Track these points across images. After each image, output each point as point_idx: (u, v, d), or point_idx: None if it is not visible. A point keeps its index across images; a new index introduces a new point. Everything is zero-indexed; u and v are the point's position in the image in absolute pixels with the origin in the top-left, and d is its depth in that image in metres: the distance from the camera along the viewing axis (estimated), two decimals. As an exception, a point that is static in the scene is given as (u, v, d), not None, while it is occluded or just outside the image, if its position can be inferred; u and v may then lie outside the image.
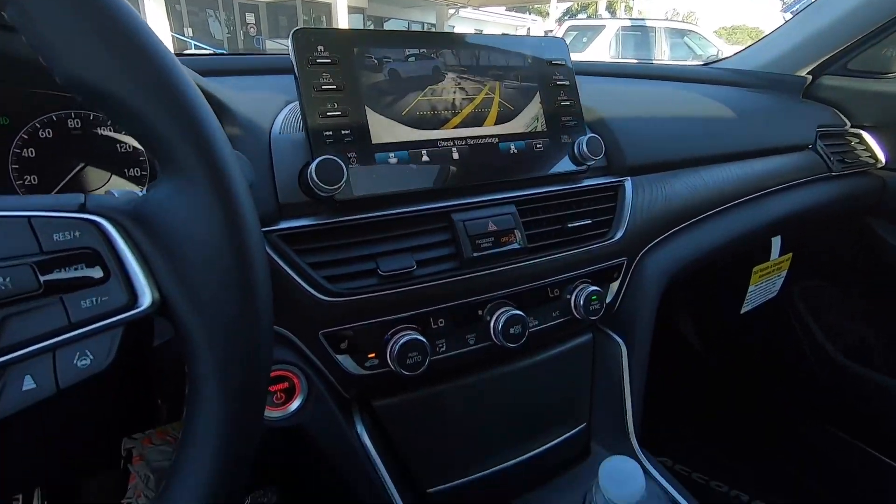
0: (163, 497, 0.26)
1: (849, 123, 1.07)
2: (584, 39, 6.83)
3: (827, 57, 1.05)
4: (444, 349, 0.54)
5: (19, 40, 0.49)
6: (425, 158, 0.54)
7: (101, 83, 0.26)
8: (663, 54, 6.73)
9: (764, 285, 1.06)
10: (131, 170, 0.57)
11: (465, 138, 0.56)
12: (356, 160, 0.50)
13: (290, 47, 0.48)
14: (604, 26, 7.03)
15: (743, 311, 1.06)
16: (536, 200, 0.60)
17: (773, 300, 1.12)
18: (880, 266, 1.13)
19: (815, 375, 1.22)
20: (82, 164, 0.55)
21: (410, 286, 0.51)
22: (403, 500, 0.54)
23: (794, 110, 1.04)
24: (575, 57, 0.66)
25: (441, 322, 0.54)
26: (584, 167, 0.63)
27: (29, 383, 0.24)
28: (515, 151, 0.59)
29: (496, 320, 0.55)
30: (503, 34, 0.65)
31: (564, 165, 0.62)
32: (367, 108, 0.51)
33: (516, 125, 0.60)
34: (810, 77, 1.09)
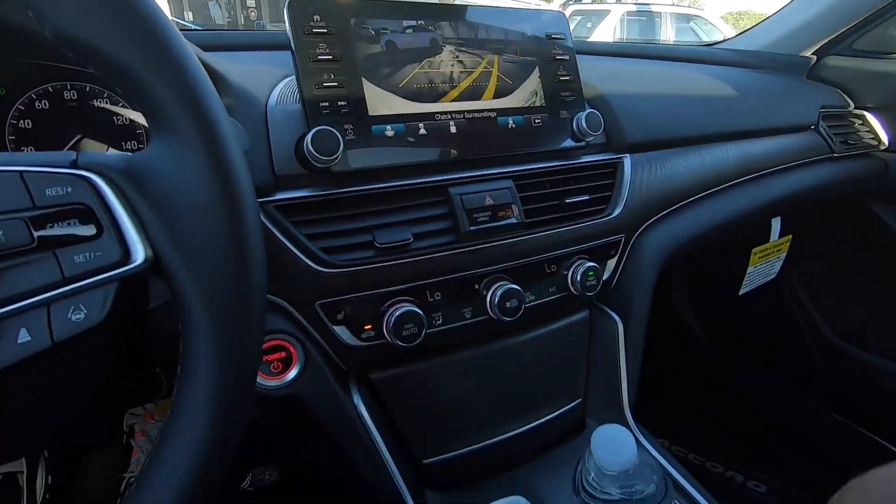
0: (156, 454, 0.27)
1: (852, 104, 1.06)
2: (589, 25, 6.75)
3: (832, 37, 1.04)
4: (440, 322, 0.54)
5: (14, 8, 0.49)
6: (422, 131, 0.54)
7: (92, 37, 0.26)
8: (668, 40, 6.65)
9: (763, 267, 1.05)
10: (128, 142, 0.57)
11: (462, 112, 0.56)
12: (352, 132, 0.50)
13: (286, 16, 0.48)
14: (608, 11, 6.93)
15: (741, 292, 1.06)
16: (534, 176, 0.60)
17: (772, 282, 1.12)
18: (881, 249, 1.12)
19: (812, 358, 1.23)
20: (79, 136, 0.55)
21: (407, 259, 0.51)
22: (401, 471, 0.55)
23: (797, 91, 1.03)
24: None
25: (437, 295, 0.54)
26: (583, 143, 0.63)
27: (24, 336, 0.24)
28: (514, 126, 0.59)
29: (492, 294, 0.55)
30: (502, 7, 0.64)
31: (563, 141, 0.62)
32: (363, 79, 0.51)
33: (515, 99, 0.59)
34: (815, 57, 1.08)
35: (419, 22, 0.55)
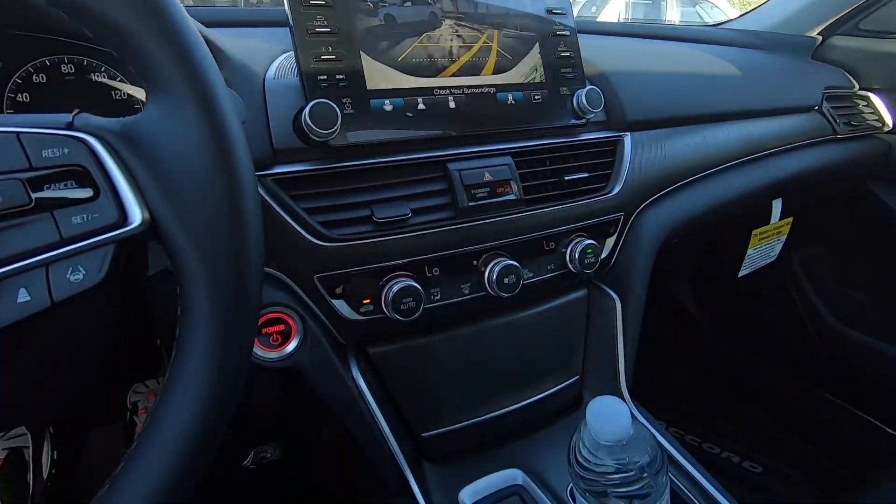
0: (155, 414, 0.27)
1: (857, 86, 1.05)
2: (594, 9, 6.65)
3: (838, 16, 1.03)
4: (438, 298, 0.54)
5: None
6: (421, 106, 0.54)
7: None
8: (674, 23, 6.56)
9: (763, 249, 1.05)
10: (126, 117, 0.57)
11: (461, 87, 0.56)
12: (351, 106, 0.50)
13: (284, -13, 0.47)
14: (614, -7, 6.82)
15: (741, 274, 1.06)
16: (533, 152, 0.60)
17: (772, 265, 1.12)
18: (882, 232, 1.12)
19: (810, 341, 1.23)
20: (77, 111, 0.55)
21: (405, 234, 0.51)
22: (399, 444, 0.55)
23: (802, 71, 1.01)
24: (582, 20, 0.64)
25: (436, 271, 0.54)
26: (583, 120, 0.63)
27: (24, 296, 0.24)
28: (513, 102, 0.59)
29: (490, 270, 0.55)
30: (503, -19, 0.63)
31: (563, 118, 0.62)
32: (361, 52, 0.51)
33: (514, 75, 0.59)
34: (820, 38, 1.06)
35: (418, -5, 0.54)
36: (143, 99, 0.56)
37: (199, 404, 0.27)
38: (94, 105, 0.56)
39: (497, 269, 0.55)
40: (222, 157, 0.28)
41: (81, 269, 0.25)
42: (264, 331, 0.47)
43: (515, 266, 0.55)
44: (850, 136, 0.99)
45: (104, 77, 0.57)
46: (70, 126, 0.27)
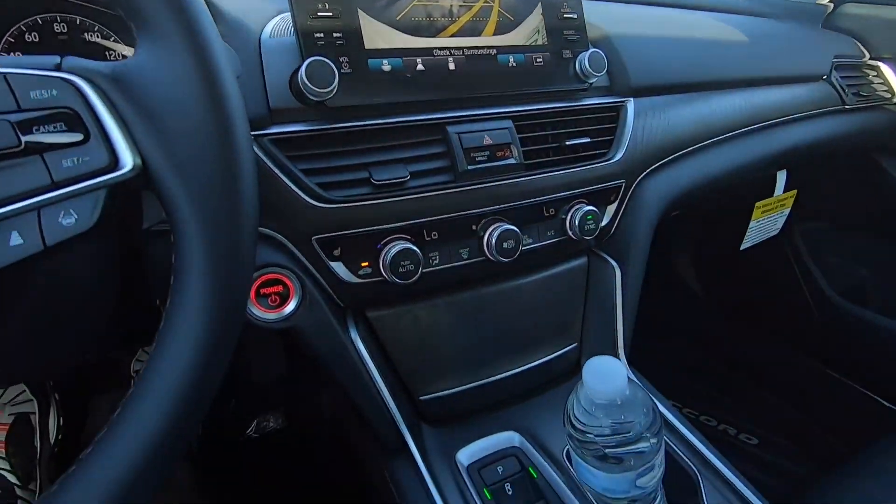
0: (152, 358, 0.27)
1: (868, 55, 1.02)
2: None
3: (851, -18, 1.00)
4: (437, 262, 0.54)
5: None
6: (420, 67, 0.53)
7: None
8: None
9: (765, 222, 1.05)
10: (116, 61, 0.56)
11: (461, 48, 0.55)
12: (348, 65, 0.49)
13: (278, -60, 0.46)
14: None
15: (742, 247, 1.06)
16: (534, 116, 0.59)
17: (774, 239, 1.12)
18: (888, 205, 1.11)
19: (810, 315, 1.23)
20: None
21: (404, 197, 0.51)
22: (398, 406, 0.56)
23: (811, 39, 0.99)
24: None
25: (434, 235, 0.54)
26: (586, 84, 0.62)
27: (16, 239, 0.24)
28: (514, 64, 0.57)
29: (489, 235, 0.55)
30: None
31: (565, 82, 0.60)
32: (359, 10, 0.50)
33: (516, 37, 0.58)
34: (831, 5, 1.04)
35: (417, -50, 0.53)
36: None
37: (196, 347, 0.27)
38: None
39: (496, 233, 0.54)
40: (215, 102, 0.28)
41: (73, 213, 0.25)
42: (262, 291, 0.48)
43: (515, 231, 0.55)
44: (859, 106, 0.97)
45: (97, 37, 0.56)
46: (58, 67, 0.26)
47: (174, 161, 0.27)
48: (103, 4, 0.54)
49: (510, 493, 0.52)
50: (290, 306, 0.49)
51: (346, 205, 0.49)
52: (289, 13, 0.47)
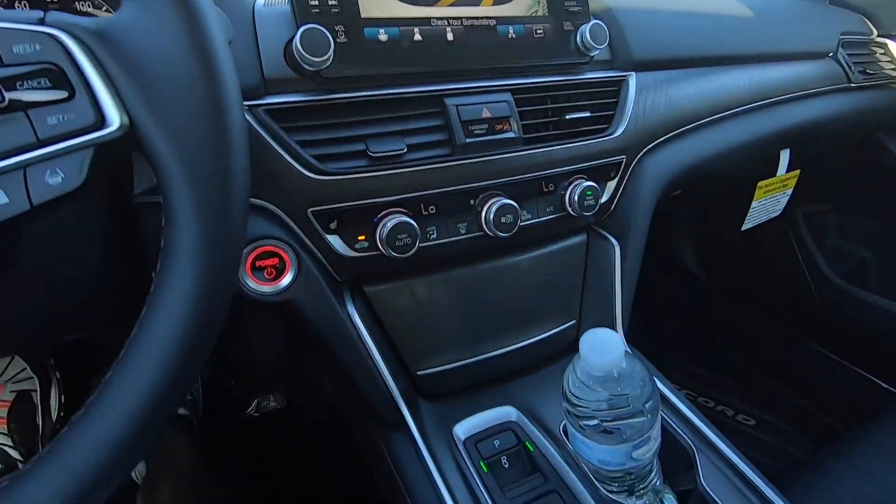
0: (143, 321, 0.27)
1: (875, 32, 1.00)
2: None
3: (860, -44, 0.97)
4: (434, 237, 0.54)
5: None
6: (417, 37, 0.52)
7: None
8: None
9: (768, 202, 1.04)
10: (101, 17, 0.55)
11: (460, 18, 0.53)
12: (344, 34, 0.48)
13: None
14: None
15: (744, 227, 1.05)
16: (534, 90, 0.58)
17: (776, 220, 1.11)
18: (890, 187, 1.10)
19: (810, 296, 1.23)
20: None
21: (401, 169, 0.50)
22: (395, 381, 0.56)
23: (818, 15, 0.97)
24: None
25: (432, 209, 0.53)
26: (587, 57, 0.60)
27: (2, 198, 0.24)
28: (514, 36, 0.56)
29: (487, 210, 0.54)
30: None
31: (565, 54, 0.59)
32: (355, -23, 0.48)
33: (516, 7, 0.56)
34: (840, -20, 1.01)
35: (415, -84, 0.51)
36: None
37: (188, 310, 0.27)
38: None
39: (494, 208, 0.54)
40: (203, 61, 0.27)
41: (60, 172, 0.25)
42: (258, 264, 0.47)
43: (513, 205, 0.54)
44: (865, 84, 0.96)
45: (89, 7, 0.55)
46: (42, 21, 0.26)
47: (162, 121, 0.27)
48: None
49: (506, 466, 0.53)
50: (287, 279, 0.49)
51: (342, 177, 0.48)
52: None
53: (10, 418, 0.90)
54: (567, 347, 0.67)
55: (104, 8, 0.56)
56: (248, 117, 0.45)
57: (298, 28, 0.44)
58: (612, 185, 0.65)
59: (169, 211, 0.27)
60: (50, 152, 0.25)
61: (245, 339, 1.07)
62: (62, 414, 0.95)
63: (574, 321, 0.68)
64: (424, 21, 0.52)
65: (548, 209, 0.60)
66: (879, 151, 1.08)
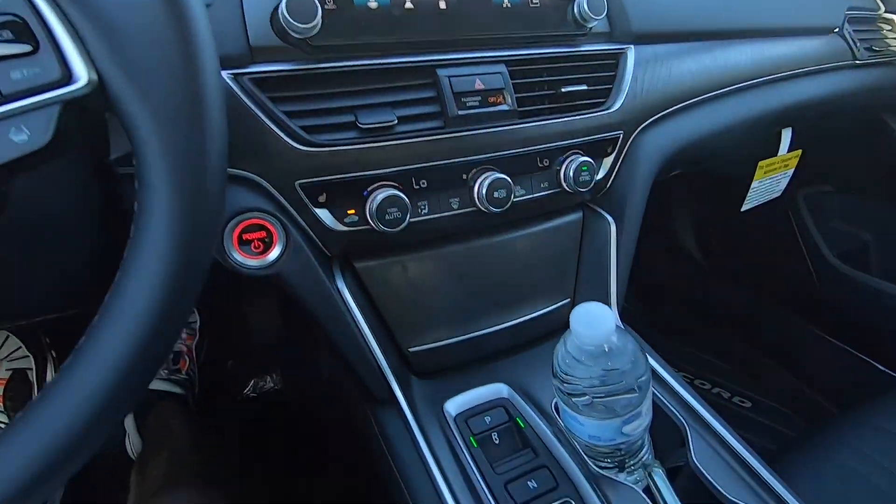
0: (120, 280, 0.26)
1: (883, 7, 0.98)
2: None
3: (870, -72, 0.95)
4: (426, 211, 0.53)
5: None
6: (409, 5, 0.50)
7: None
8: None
9: (768, 182, 1.02)
10: None
11: (453, -15, 0.52)
12: (332, 1, 0.46)
13: None
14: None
15: (744, 208, 1.04)
16: (529, 62, 0.56)
17: (776, 201, 1.10)
18: (893, 168, 1.08)
19: (809, 278, 1.22)
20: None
21: (391, 142, 0.49)
22: (386, 358, 0.56)
23: (825, -10, 0.95)
24: None
25: (423, 183, 0.52)
26: (584, 29, 0.59)
27: (-36, 155, 0.23)
28: (509, 6, 0.55)
29: (480, 184, 0.53)
30: None
31: (562, 26, 0.58)
32: (343, -60, 0.47)
33: (511, -25, 0.55)
34: (848, -46, 0.98)
35: None
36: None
37: (162, 273, 0.26)
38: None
39: (487, 182, 0.53)
40: (175, 16, 0.26)
41: (25, 129, 0.24)
42: (245, 237, 0.46)
43: (506, 180, 0.53)
44: (870, 62, 0.94)
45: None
46: None
47: (133, 78, 0.26)
48: None
49: (497, 441, 0.52)
50: (274, 253, 0.48)
51: (331, 149, 0.47)
52: None
53: (6, 396, 0.91)
54: (561, 326, 0.66)
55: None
56: (233, 86, 0.44)
57: (284, -7, 0.43)
58: (608, 160, 0.64)
59: (141, 171, 0.26)
60: (14, 109, 0.24)
61: (241, 316, 1.06)
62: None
63: (568, 300, 0.67)
64: (416, -12, 0.50)
65: (542, 185, 0.59)
66: (883, 132, 1.07)
